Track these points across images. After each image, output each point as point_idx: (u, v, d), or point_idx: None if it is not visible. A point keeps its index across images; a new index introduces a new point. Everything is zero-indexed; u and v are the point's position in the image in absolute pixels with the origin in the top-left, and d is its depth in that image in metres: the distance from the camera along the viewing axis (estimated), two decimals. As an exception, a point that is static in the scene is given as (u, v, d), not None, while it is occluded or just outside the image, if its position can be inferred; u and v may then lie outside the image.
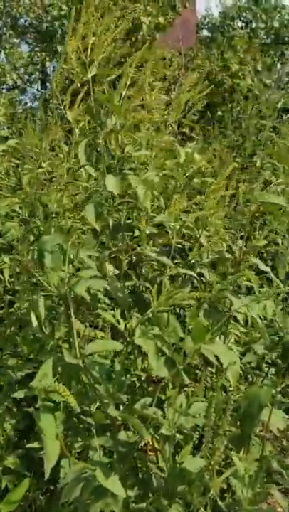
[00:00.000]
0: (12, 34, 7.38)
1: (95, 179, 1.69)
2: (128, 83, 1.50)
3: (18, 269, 2.30)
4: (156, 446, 1.34)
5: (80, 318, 1.75)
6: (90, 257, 1.56)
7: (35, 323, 1.58)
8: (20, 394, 1.25)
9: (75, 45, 1.46)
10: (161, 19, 6.36)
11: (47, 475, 1.00)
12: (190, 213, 1.50)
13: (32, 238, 2.17)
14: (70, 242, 1.38)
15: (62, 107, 1.78)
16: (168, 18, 6.54)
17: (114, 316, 1.36)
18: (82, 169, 1.69)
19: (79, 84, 1.51)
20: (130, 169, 1.55)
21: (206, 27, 9.40)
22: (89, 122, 2.09)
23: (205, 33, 9.50)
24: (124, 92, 1.50)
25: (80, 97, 1.67)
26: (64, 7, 6.34)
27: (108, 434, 1.29)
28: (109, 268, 1.47)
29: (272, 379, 1.72)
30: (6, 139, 3.57)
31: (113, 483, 1.02)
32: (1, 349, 2.19)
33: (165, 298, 1.09)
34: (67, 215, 1.75)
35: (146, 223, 1.36)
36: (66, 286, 1.53)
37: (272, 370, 1.77)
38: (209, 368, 1.68)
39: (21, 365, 2.05)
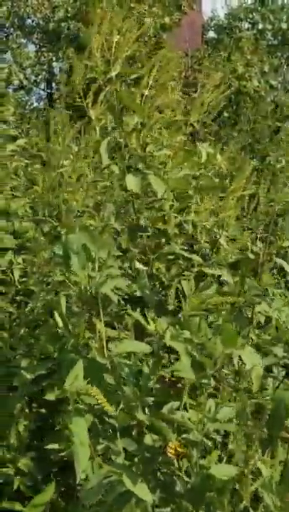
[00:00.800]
0: (19, 34, 7.38)
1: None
2: (150, 83, 1.50)
3: (34, 269, 2.29)
4: (179, 450, 1.33)
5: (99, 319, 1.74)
6: (113, 256, 1.55)
7: (60, 323, 1.57)
8: (50, 396, 1.23)
9: (99, 42, 1.45)
10: (166, 19, 6.37)
11: (78, 479, 0.99)
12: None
13: (49, 239, 2.16)
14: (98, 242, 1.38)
15: (77, 106, 1.78)
16: (173, 18, 6.54)
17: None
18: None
19: (101, 82, 1.50)
20: (149, 169, 1.54)
21: (213, 28, 9.39)
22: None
23: (211, 34, 9.49)
24: (146, 92, 1.50)
25: (99, 95, 1.66)
26: (70, 9, 6.35)
27: (130, 437, 1.27)
28: (138, 266, 1.46)
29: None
30: (15, 138, 3.57)
31: (141, 489, 1.00)
32: (14, 349, 2.18)
33: (199, 301, 1.08)
34: (88, 214, 1.74)
35: (170, 223, 1.36)
36: (90, 286, 1.52)
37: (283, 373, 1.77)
38: (224, 370, 1.67)
39: (35, 365, 2.04)
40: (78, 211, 1.80)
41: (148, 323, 1.23)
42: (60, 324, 1.48)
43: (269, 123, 5.87)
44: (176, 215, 1.43)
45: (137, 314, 1.27)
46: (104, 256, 1.52)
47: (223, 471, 1.07)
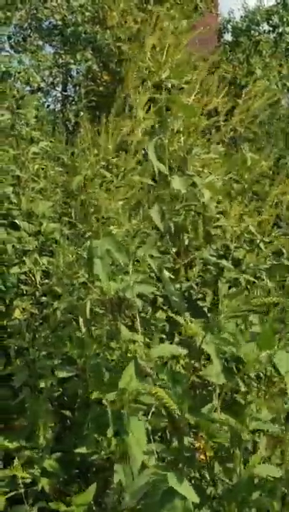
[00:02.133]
0: (37, 36, 7.43)
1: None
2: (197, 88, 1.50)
3: (59, 272, 2.30)
4: (208, 452, 1.34)
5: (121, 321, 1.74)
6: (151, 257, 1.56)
7: (83, 328, 1.58)
8: (110, 396, 1.23)
9: (151, 44, 1.46)
10: (184, 22, 6.36)
11: (135, 478, 0.99)
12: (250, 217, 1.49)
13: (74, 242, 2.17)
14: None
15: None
16: (191, 21, 6.53)
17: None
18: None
19: (150, 85, 1.51)
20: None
21: (230, 31, 9.36)
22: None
23: (228, 36, 9.47)
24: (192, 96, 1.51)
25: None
26: (87, 14, 6.37)
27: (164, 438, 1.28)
28: (165, 272, 1.46)
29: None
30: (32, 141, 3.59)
31: (186, 489, 1.01)
32: (37, 349, 2.19)
33: (241, 302, 1.08)
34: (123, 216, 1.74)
35: (210, 226, 1.36)
36: (115, 291, 1.53)
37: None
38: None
39: (59, 368, 2.05)
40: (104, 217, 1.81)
41: (187, 326, 1.24)
42: (84, 329, 1.50)
43: (282, 125, 5.85)
44: (218, 216, 1.43)
45: (179, 318, 1.27)
46: (129, 261, 1.53)
47: (268, 471, 1.07)
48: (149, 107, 1.80)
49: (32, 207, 2.84)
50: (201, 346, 1.27)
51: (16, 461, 1.60)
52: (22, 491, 1.56)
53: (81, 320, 1.54)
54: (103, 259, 1.43)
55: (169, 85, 1.56)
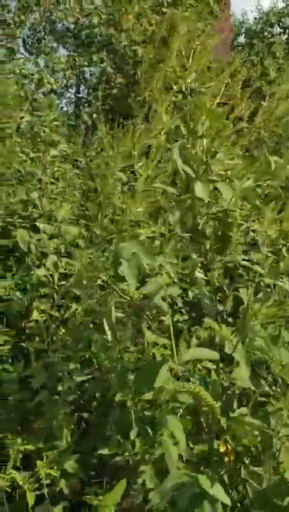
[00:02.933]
0: (51, 39, 7.48)
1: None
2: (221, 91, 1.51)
3: (78, 274, 2.31)
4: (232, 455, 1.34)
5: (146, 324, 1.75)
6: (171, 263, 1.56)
7: (108, 331, 1.59)
8: (148, 396, 1.23)
9: (177, 48, 1.47)
10: (199, 25, 6.36)
11: (170, 482, 1.00)
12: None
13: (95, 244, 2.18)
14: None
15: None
16: (206, 23, 6.53)
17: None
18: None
19: (174, 88, 1.51)
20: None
21: (243, 33, 9.35)
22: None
23: (241, 38, 9.46)
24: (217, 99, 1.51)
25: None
26: (103, 16, 6.40)
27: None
28: (199, 275, 1.46)
29: None
30: (51, 144, 3.61)
31: (218, 491, 1.01)
32: (54, 351, 2.21)
33: (277, 309, 1.08)
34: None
35: (232, 231, 1.36)
36: (140, 294, 1.53)
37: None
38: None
39: (78, 371, 2.06)
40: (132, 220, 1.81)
41: (220, 331, 1.24)
42: (109, 333, 1.50)
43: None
44: (242, 222, 1.43)
45: (212, 323, 1.28)
46: (156, 264, 1.53)
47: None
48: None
49: (52, 209, 2.87)
50: (229, 351, 1.27)
51: (39, 462, 1.61)
52: (46, 491, 1.57)
53: (105, 323, 1.55)
54: (130, 262, 1.43)
55: (193, 89, 1.57)
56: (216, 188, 1.52)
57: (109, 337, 1.55)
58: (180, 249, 1.71)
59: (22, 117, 3.61)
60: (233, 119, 1.66)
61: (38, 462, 1.63)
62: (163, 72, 1.57)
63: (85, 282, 2.22)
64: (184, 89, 1.55)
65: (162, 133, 1.64)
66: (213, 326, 1.25)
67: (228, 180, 1.46)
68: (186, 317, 1.90)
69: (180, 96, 1.56)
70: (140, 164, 1.77)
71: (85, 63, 6.97)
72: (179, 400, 1.11)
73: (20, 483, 1.70)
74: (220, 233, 1.58)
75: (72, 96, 8.06)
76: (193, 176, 1.45)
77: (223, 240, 1.59)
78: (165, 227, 1.56)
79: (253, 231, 1.47)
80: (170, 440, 1.06)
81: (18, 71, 7.00)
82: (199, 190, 1.40)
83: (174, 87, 1.54)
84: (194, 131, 1.49)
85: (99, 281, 2.22)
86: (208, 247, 1.56)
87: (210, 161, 1.49)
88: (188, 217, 1.48)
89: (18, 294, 2.50)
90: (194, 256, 1.57)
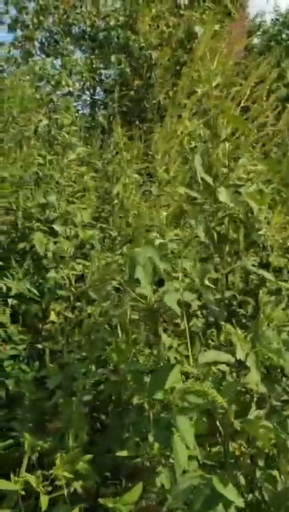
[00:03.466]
0: (69, 41, 7.53)
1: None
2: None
3: (94, 277, 2.33)
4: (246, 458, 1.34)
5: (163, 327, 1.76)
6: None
7: (121, 334, 1.60)
8: (159, 396, 1.24)
9: (202, 51, 1.48)
10: (217, 27, 6.36)
11: (184, 484, 1.00)
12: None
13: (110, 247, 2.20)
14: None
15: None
16: (224, 26, 6.52)
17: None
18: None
19: (199, 92, 1.52)
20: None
21: (260, 35, 9.31)
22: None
23: (257, 40, 9.41)
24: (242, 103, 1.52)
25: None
26: (121, 18, 6.43)
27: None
28: (206, 282, 1.47)
29: None
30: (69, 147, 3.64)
31: (231, 492, 1.02)
32: (70, 352, 2.23)
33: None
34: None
35: (254, 235, 1.37)
36: (155, 298, 1.54)
37: None
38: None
39: (93, 372, 2.08)
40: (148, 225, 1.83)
41: (234, 334, 1.24)
42: (121, 335, 1.52)
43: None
44: (259, 226, 1.44)
45: (229, 326, 1.28)
46: (170, 269, 1.54)
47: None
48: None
49: (69, 211, 2.90)
50: (240, 355, 1.28)
51: (57, 461, 1.63)
52: (65, 492, 1.59)
53: (119, 325, 1.57)
54: (145, 267, 1.44)
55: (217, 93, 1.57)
56: (237, 192, 1.53)
57: (124, 339, 1.56)
58: (199, 253, 1.72)
59: (40, 120, 3.65)
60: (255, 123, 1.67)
61: (56, 462, 1.64)
62: (185, 75, 1.58)
63: (100, 285, 2.24)
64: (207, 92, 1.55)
65: (184, 136, 1.64)
66: (230, 329, 1.26)
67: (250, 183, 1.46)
68: (202, 320, 1.91)
69: (204, 100, 1.56)
70: (159, 167, 1.78)
71: (102, 65, 7.01)
72: (189, 400, 1.11)
73: (34, 485, 1.72)
74: (239, 237, 1.59)
75: (88, 98, 8.11)
76: (212, 183, 1.45)
77: (242, 243, 1.60)
78: (186, 231, 1.57)
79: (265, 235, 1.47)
80: (180, 442, 1.07)
81: (35, 73, 7.07)
82: (223, 195, 1.41)
83: (199, 91, 1.54)
84: (217, 135, 1.50)
85: (114, 284, 2.24)
86: (227, 250, 1.57)
87: (232, 166, 1.50)
88: (210, 221, 1.49)
89: (35, 296, 2.53)
90: (217, 259, 1.58)
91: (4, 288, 2.32)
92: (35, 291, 2.46)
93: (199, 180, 1.46)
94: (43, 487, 1.58)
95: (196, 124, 1.59)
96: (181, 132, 1.64)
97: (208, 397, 1.05)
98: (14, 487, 1.56)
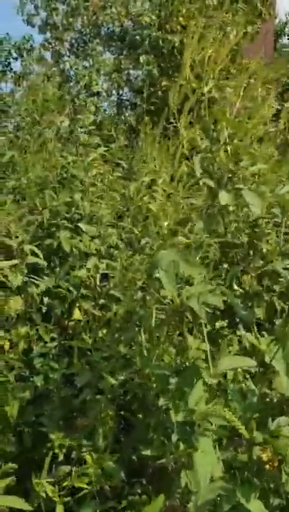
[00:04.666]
0: (98, 42, 7.59)
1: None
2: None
3: (119, 276, 2.36)
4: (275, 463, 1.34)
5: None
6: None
7: (143, 336, 1.61)
8: (179, 417, 1.25)
9: (189, 57, 1.49)
10: (249, 28, 6.32)
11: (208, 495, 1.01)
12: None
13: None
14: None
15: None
16: (255, 27, 6.48)
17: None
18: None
19: (195, 99, 1.52)
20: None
21: (287, 34, 9.21)
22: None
23: (285, 40, 9.32)
24: (237, 104, 1.52)
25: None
26: (153, 17, 6.44)
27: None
28: (234, 285, 1.48)
29: None
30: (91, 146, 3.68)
31: (256, 505, 1.02)
32: (96, 350, 2.25)
33: None
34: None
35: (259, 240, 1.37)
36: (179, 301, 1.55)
37: None
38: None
39: (119, 370, 2.10)
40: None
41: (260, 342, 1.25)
42: (144, 337, 1.53)
43: None
44: (270, 231, 1.43)
45: (248, 334, 1.29)
46: (194, 272, 1.54)
47: None
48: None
49: (93, 211, 2.93)
50: (269, 361, 1.27)
51: (88, 457, 1.65)
52: (95, 489, 1.61)
53: (142, 329, 1.58)
54: (169, 270, 1.45)
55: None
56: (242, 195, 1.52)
57: (148, 340, 1.57)
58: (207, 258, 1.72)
59: (62, 121, 3.70)
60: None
61: (87, 460, 1.67)
62: (178, 82, 1.59)
63: (124, 284, 2.26)
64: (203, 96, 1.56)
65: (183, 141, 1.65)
66: (250, 338, 1.26)
67: (254, 186, 1.46)
68: (225, 323, 1.91)
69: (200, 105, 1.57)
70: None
71: (131, 66, 7.04)
72: (211, 421, 1.12)
73: (50, 494, 1.74)
74: (248, 241, 1.58)
75: (116, 98, 8.16)
76: (214, 186, 1.45)
77: (251, 247, 1.59)
78: (193, 235, 1.57)
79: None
80: (201, 459, 1.07)
81: (65, 74, 7.17)
82: (224, 198, 1.40)
83: (191, 96, 1.55)
84: (217, 139, 1.50)
85: (139, 284, 2.26)
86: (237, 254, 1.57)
87: (234, 168, 1.50)
88: (216, 225, 1.49)
89: (66, 293, 2.56)
90: (225, 265, 1.58)
91: (42, 286, 2.36)
92: (64, 288, 2.50)
93: (201, 184, 1.46)
94: (59, 496, 1.60)
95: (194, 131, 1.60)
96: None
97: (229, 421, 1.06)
98: (27, 507, 1.55)
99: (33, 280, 2.29)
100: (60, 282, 2.58)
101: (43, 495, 1.73)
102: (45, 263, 2.40)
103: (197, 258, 1.60)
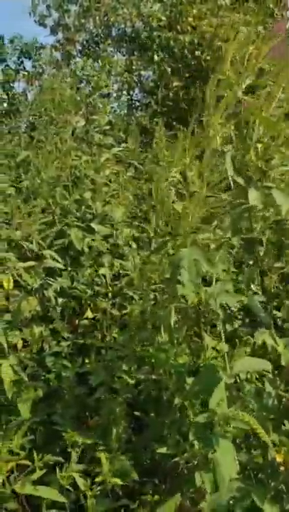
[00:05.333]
0: (110, 43, 7.61)
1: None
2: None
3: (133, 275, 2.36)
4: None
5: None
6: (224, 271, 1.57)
7: (165, 336, 1.61)
8: (200, 419, 1.25)
9: (231, 53, 1.48)
10: (260, 28, 6.29)
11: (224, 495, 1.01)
12: None
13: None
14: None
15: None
16: (267, 27, 6.46)
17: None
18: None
19: (239, 95, 1.52)
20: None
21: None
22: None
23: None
24: (274, 104, 1.51)
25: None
26: (163, 18, 6.45)
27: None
28: (253, 286, 1.47)
29: None
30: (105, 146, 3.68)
31: (271, 506, 1.02)
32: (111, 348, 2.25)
33: None
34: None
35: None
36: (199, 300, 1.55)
37: None
38: None
39: (134, 370, 2.10)
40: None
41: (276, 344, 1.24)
42: (165, 337, 1.52)
43: None
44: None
45: (265, 336, 1.28)
46: (215, 271, 1.54)
47: None
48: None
49: (105, 210, 2.94)
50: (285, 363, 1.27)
51: (102, 455, 1.65)
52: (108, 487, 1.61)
53: (163, 328, 1.58)
54: (190, 269, 1.45)
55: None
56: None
57: (167, 340, 1.57)
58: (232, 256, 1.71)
59: (77, 121, 3.71)
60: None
61: (102, 459, 1.67)
62: (216, 78, 1.58)
63: (139, 284, 2.25)
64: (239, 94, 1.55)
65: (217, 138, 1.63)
66: (267, 339, 1.25)
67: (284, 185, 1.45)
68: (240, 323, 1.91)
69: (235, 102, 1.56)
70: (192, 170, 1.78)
71: (142, 67, 7.05)
72: (231, 425, 1.12)
73: (83, 488, 1.73)
74: (275, 240, 1.57)
75: (126, 99, 8.17)
76: (243, 184, 1.44)
77: (279, 246, 1.58)
78: (218, 233, 1.56)
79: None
80: (223, 459, 1.07)
81: (76, 74, 7.19)
82: (253, 197, 1.40)
83: (227, 93, 1.54)
84: (249, 137, 1.49)
85: (157, 283, 2.26)
86: (262, 253, 1.56)
87: (265, 167, 1.49)
88: (243, 223, 1.48)
89: (80, 292, 2.57)
90: (250, 262, 1.57)
91: (56, 286, 2.37)
92: (80, 288, 2.50)
93: (231, 182, 1.46)
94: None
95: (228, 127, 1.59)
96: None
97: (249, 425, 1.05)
98: (62, 499, 1.55)
99: (48, 281, 2.30)
100: (70, 281, 2.58)
101: (71, 488, 1.73)
102: (62, 265, 2.41)
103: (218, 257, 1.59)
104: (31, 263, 2.15)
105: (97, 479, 1.65)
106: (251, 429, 1.10)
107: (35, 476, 1.51)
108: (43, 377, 2.25)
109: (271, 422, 1.29)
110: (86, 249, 2.67)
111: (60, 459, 1.71)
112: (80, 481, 1.59)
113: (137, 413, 2.09)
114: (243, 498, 1.08)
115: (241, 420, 1.08)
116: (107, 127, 3.82)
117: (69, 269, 2.72)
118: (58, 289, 2.31)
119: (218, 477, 1.07)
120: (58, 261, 2.34)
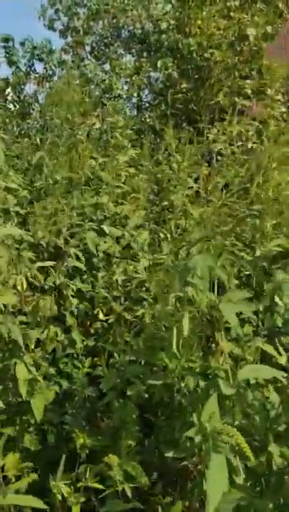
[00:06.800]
0: (120, 45, 7.62)
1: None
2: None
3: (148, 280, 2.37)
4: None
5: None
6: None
7: (174, 345, 1.61)
8: (190, 433, 1.25)
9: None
10: (268, 28, 6.27)
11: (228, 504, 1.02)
12: None
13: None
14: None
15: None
16: (275, 27, 6.43)
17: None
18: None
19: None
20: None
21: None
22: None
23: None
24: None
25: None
26: (172, 22, 6.44)
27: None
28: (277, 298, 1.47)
29: None
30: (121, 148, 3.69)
31: None
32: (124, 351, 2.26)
33: None
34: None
35: None
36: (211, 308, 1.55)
37: None
38: None
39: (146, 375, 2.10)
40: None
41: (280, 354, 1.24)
42: (174, 346, 1.52)
43: None
44: None
45: (268, 346, 1.28)
46: (229, 279, 1.54)
47: None
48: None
49: (117, 212, 2.95)
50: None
51: (112, 456, 1.67)
52: (122, 487, 1.62)
53: (173, 337, 1.58)
54: (203, 275, 1.45)
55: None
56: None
57: (178, 346, 1.57)
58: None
59: (94, 123, 3.72)
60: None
61: (112, 462, 1.69)
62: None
63: (153, 288, 2.26)
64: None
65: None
66: (269, 350, 1.25)
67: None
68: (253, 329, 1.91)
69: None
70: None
71: (151, 69, 7.04)
72: (221, 439, 1.12)
73: (66, 495, 1.76)
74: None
75: (136, 101, 8.16)
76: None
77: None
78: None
79: None
80: (213, 476, 1.07)
81: (86, 77, 7.20)
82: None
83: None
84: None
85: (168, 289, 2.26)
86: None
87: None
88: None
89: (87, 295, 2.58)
90: None
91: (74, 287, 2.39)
92: (99, 289, 2.52)
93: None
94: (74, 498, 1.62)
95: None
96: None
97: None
98: (43, 506, 1.55)
99: (68, 282, 2.32)
100: (84, 284, 2.60)
101: (59, 496, 1.75)
102: (83, 267, 2.43)
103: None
104: (50, 262, 2.18)
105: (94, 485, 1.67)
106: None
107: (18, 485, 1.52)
108: (54, 378, 2.26)
109: (273, 432, 1.28)
110: (100, 253, 2.69)
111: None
112: (64, 489, 1.61)
113: (147, 415, 2.10)
114: (246, 508, 1.08)
115: (230, 436, 1.08)
116: (121, 130, 3.82)
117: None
118: (75, 289, 2.33)
119: (209, 492, 1.06)
120: (80, 261, 2.36)
